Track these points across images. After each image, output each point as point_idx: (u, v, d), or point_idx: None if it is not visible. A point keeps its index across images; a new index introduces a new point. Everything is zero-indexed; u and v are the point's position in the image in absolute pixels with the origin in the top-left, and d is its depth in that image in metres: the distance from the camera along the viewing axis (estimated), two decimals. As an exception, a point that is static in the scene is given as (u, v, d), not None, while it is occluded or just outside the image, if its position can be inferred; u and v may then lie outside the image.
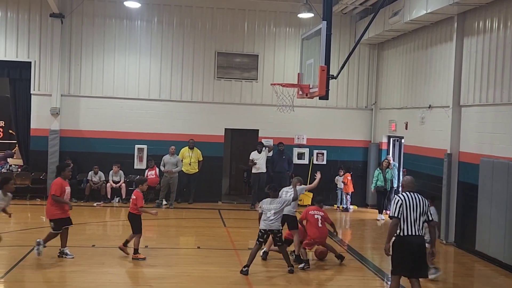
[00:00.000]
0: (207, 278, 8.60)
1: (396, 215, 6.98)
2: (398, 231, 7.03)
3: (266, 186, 11.16)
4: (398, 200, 7.04)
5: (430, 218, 7.16)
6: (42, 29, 15.41)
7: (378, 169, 14.33)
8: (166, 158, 15.12)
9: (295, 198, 9.21)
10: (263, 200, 9.09)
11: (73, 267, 8.86)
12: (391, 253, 7.09)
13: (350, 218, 14.83)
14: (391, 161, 14.83)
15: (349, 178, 15.67)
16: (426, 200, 7.16)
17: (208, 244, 10.89)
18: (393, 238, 7.09)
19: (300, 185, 9.91)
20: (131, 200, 9.65)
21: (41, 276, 8.42)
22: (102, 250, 10.05)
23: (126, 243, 9.55)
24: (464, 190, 11.37)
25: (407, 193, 7.12)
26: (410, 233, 6.94)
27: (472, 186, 10.82)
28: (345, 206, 15.66)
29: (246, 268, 8.74)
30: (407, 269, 7.02)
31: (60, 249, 9.33)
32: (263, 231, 8.83)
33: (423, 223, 7.06)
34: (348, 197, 15.72)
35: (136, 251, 9.41)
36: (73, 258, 9.23)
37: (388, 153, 15.79)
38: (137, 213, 9.49)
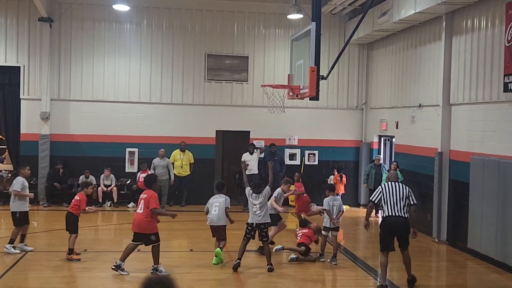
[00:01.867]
0: (200, 280, 8.58)
1: (373, 199, 8.47)
2: (382, 213, 8.49)
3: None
4: (379, 189, 8.43)
5: (412, 203, 8.30)
6: (31, 34, 15.32)
7: (387, 171, 13.99)
8: (156, 161, 15.07)
9: (270, 186, 9.53)
10: (251, 194, 9.33)
11: (65, 272, 8.80)
12: (367, 229, 8.81)
13: (342, 218, 14.81)
14: (381, 161, 14.95)
15: (338, 178, 15.65)
16: (407, 188, 8.36)
17: (201, 246, 10.86)
18: (378, 218, 8.82)
19: (289, 186, 10.81)
20: (73, 200, 9.74)
21: (33, 281, 8.35)
22: (94, 254, 10.00)
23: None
24: (456, 188, 11.44)
25: (389, 183, 8.47)
26: (390, 214, 8.19)
27: (463, 184, 10.88)
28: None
29: (238, 261, 9.02)
30: (390, 244, 8.21)
31: (153, 266, 8.71)
32: (250, 227, 9.11)
33: (405, 206, 8.20)
34: (338, 197, 15.68)
35: (71, 251, 9.46)
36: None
37: (379, 153, 15.85)
38: (75, 214, 9.58)
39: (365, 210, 15.28)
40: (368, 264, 9.89)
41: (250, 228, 9.11)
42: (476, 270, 9.81)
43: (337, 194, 15.67)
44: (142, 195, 8.77)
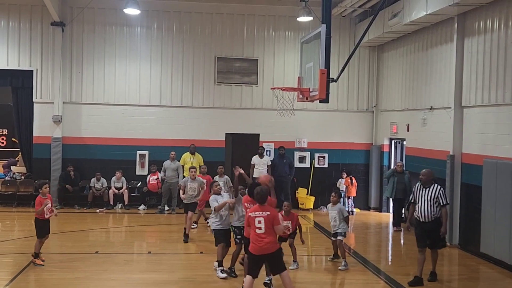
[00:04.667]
0: (210, 283, 8.57)
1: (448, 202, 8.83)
2: (436, 214, 8.64)
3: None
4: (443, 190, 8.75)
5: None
6: (44, 38, 15.48)
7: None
8: (167, 163, 15.13)
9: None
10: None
11: (76, 273, 8.85)
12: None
13: (353, 221, 14.77)
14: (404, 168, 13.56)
15: (349, 181, 15.61)
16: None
17: (211, 249, 10.82)
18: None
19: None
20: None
21: (45, 283, 8.41)
22: (105, 256, 10.05)
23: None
24: (468, 191, 11.32)
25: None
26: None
27: (476, 188, 10.77)
28: (347, 210, 15.60)
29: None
30: None
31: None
32: (238, 230, 8.67)
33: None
34: (350, 200, 15.66)
35: (36, 255, 9.31)
36: None
37: (389, 156, 15.74)
38: (39, 218, 9.37)
39: (377, 213, 15.50)
40: (380, 268, 9.83)
41: (237, 231, 8.66)
42: (489, 275, 9.69)
43: (349, 197, 15.67)
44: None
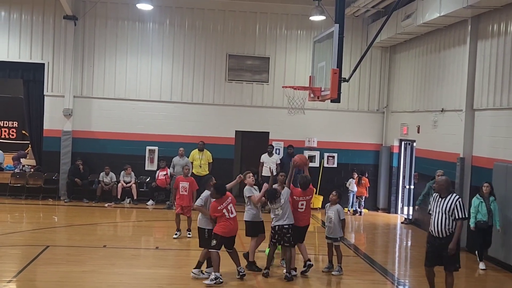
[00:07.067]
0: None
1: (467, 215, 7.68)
2: (453, 226, 7.53)
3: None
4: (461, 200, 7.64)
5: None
6: (56, 31, 15.56)
7: (478, 196, 10.08)
8: (176, 160, 15.16)
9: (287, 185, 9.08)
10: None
11: (84, 267, 8.90)
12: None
13: (361, 221, 14.74)
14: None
15: (363, 182, 15.55)
16: None
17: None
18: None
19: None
20: None
21: (53, 275, 8.46)
22: (113, 250, 10.10)
23: None
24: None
25: None
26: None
27: (485, 191, 10.69)
28: (354, 209, 15.57)
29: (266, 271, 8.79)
30: None
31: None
32: (273, 231, 8.83)
33: None
34: (359, 201, 15.62)
35: None
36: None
37: (399, 157, 15.65)
38: None
39: (385, 214, 15.43)
40: (386, 268, 9.79)
41: (273, 231, 8.79)
42: (496, 279, 9.64)
43: (358, 197, 15.63)
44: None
